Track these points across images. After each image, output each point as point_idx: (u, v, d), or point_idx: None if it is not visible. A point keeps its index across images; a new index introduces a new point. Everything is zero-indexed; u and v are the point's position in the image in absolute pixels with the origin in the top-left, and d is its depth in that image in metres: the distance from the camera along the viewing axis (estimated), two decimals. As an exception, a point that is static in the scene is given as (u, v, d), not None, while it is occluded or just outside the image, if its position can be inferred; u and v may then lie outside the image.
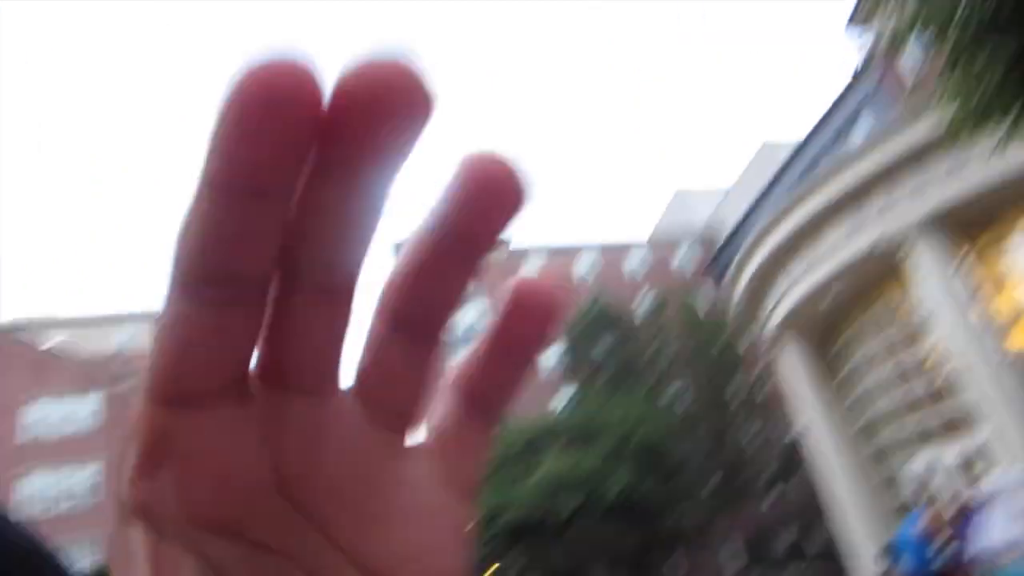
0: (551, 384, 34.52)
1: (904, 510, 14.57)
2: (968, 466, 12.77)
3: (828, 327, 16.16)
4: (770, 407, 27.24)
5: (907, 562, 8.33)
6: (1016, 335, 11.88)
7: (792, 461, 28.24)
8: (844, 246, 13.42)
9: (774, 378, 27.12)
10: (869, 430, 15.26)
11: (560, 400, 33.76)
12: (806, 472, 27.03)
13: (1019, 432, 10.78)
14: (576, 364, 27.85)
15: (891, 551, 9.95)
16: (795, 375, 16.19)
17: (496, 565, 30.07)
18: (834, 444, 15.43)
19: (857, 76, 25.42)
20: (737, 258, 16.33)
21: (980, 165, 11.16)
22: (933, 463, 13.36)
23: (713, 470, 26.36)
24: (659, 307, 28.17)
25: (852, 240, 13.24)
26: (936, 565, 8.19)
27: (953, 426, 13.12)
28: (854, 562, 14.98)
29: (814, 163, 28.16)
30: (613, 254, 39.73)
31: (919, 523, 8.28)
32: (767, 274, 15.80)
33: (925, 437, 13.58)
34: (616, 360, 26.93)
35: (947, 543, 8.19)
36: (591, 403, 24.28)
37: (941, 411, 13.38)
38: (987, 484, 8.75)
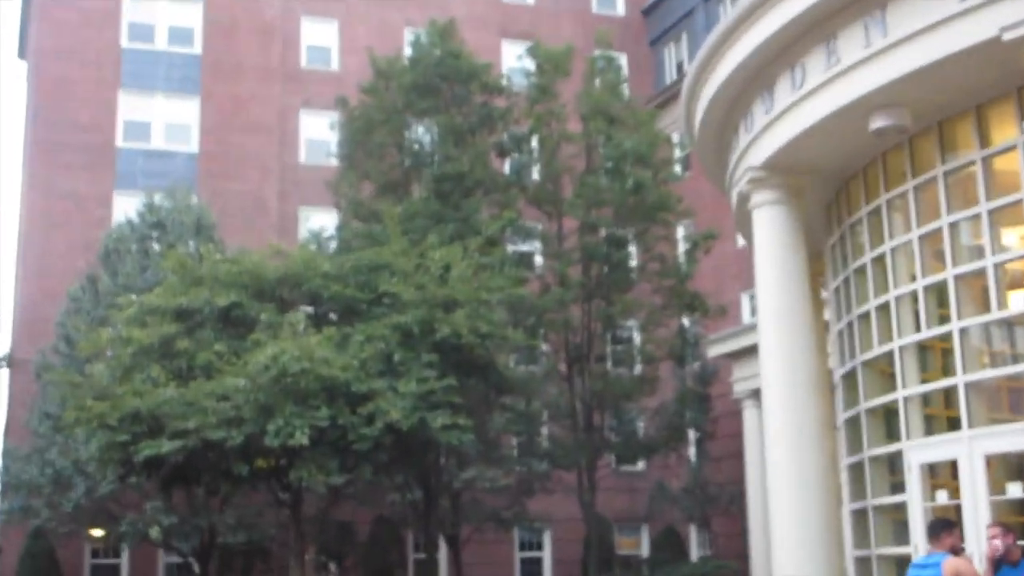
0: (313, 186, 18.22)
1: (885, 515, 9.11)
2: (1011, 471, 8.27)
3: (843, 185, 10.39)
4: (694, 312, 15.52)
5: None
6: None
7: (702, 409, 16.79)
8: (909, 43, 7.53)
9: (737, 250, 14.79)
10: (862, 377, 9.65)
11: (325, 220, 17.52)
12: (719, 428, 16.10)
13: None
14: (369, 152, 14.82)
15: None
16: (766, 259, 9.99)
17: (96, 532, 16.04)
18: (791, 390, 9.44)
19: None
20: (711, 40, 9.43)
21: None
22: (955, 459, 8.50)
23: (559, 404, 15.25)
24: (547, 75, 14.63)
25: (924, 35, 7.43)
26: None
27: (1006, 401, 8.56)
28: None
29: None
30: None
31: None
32: (751, 81, 9.54)
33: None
34: (449, 157, 14.33)
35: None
36: (381, 236, 12.64)
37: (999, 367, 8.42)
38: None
